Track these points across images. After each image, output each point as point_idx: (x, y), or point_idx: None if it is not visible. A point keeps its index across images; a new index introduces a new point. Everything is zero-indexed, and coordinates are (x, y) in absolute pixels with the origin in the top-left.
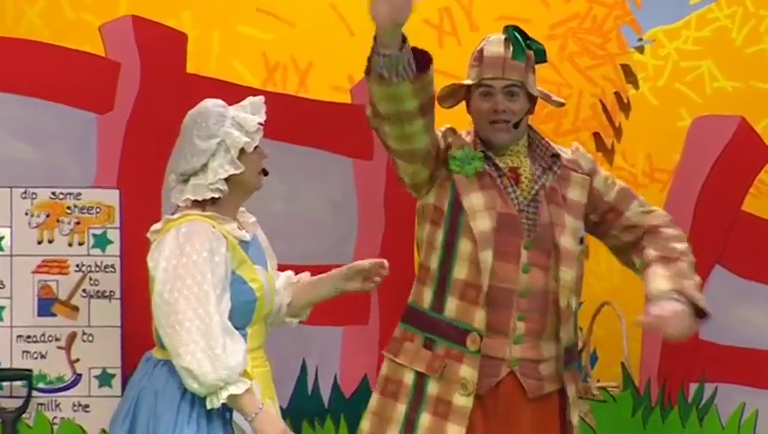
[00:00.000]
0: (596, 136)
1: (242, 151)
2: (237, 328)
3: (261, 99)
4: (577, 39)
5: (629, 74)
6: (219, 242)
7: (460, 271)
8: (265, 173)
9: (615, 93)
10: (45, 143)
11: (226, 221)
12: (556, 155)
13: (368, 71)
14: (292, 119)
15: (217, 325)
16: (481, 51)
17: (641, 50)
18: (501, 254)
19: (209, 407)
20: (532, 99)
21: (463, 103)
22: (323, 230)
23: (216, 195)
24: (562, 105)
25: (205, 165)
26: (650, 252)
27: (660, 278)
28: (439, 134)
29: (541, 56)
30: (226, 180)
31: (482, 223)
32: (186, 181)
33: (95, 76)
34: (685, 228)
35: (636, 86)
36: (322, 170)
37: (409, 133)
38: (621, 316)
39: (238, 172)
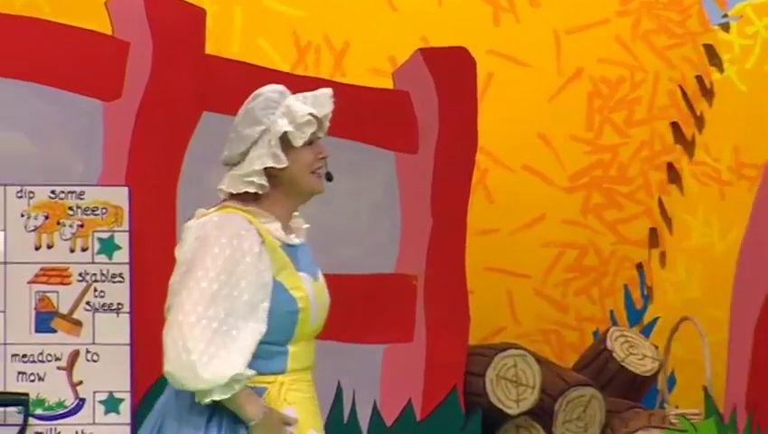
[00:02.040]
0: (675, 126)
1: (289, 144)
2: (276, 344)
3: (327, 91)
4: (653, 15)
5: (712, 55)
6: (251, 241)
7: None
8: (328, 177)
9: (697, 77)
10: (44, 134)
11: (268, 220)
12: None
13: None
14: None
15: (204, 329)
16: None
17: (726, 27)
18: None
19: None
20: None
21: None
22: (360, 234)
23: (251, 189)
24: None
25: (245, 154)
26: None
27: None
28: None
29: None
30: (270, 175)
31: None
32: (229, 171)
33: (101, 58)
34: None
35: (721, 69)
36: (359, 165)
37: None
38: (703, 334)
39: (278, 166)
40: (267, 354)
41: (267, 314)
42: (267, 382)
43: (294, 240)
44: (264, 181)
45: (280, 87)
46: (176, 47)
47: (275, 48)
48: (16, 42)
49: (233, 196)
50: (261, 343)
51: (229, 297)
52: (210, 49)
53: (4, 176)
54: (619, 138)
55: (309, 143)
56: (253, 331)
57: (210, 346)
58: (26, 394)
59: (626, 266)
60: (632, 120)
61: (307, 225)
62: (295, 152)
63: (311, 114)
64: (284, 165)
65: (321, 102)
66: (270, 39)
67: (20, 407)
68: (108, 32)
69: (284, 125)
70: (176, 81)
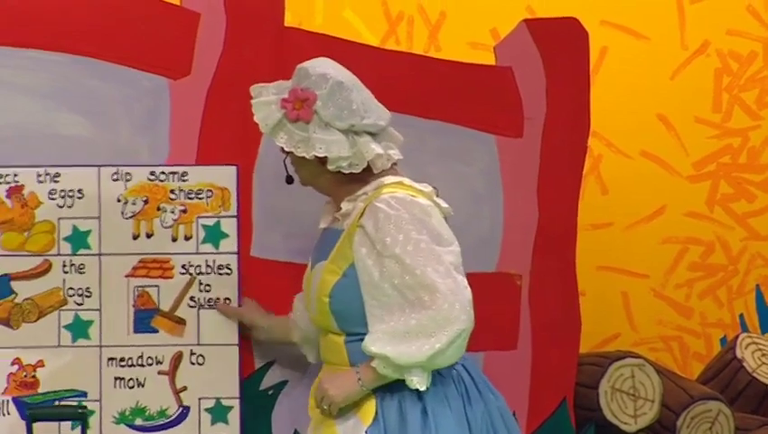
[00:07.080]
0: None
1: None
2: None
3: None
4: None
5: None
6: None
7: None
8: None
9: None
10: (103, 116)
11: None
12: None
13: None
14: (419, 86)
15: None
16: None
17: None
18: None
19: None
20: None
21: None
22: (458, 227)
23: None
24: None
25: None
26: None
27: None
28: None
29: None
30: None
31: None
32: None
33: (167, 30)
34: None
35: None
36: (457, 150)
37: None
38: None
39: None
40: None
41: None
42: None
43: (321, 224)
44: None
45: None
46: (252, 18)
47: (363, 19)
48: (74, 13)
49: None
50: None
51: None
52: (290, 20)
53: (96, 156)
54: (750, 121)
55: None
56: None
57: None
58: (84, 407)
59: (758, 264)
60: (765, 101)
61: (346, 209)
62: None
63: None
64: None
65: None
66: (357, 9)
67: (75, 422)
68: (176, 1)
69: None
70: (252, 57)
